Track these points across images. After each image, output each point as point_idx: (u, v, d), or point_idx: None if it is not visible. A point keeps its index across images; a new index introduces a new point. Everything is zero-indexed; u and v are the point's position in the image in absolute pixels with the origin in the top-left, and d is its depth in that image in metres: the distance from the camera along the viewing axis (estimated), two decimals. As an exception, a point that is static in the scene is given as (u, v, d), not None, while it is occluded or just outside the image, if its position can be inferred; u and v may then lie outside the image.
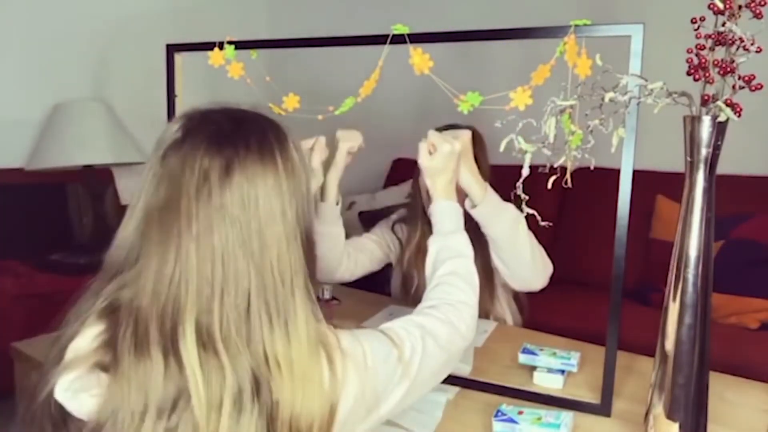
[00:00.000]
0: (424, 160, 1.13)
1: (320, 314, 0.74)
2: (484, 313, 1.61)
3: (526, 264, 1.38)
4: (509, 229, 1.35)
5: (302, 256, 0.71)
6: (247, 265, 0.67)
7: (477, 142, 1.62)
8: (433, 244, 1.07)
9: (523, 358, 1.23)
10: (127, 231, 0.71)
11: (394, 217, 1.77)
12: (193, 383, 0.64)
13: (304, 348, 0.68)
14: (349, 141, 1.39)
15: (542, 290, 1.52)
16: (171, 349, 0.65)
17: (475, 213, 1.33)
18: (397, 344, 0.79)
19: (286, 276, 0.69)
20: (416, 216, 1.67)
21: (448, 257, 1.02)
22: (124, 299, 0.68)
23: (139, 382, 0.64)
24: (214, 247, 0.66)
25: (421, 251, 1.65)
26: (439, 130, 1.64)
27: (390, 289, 1.83)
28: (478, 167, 1.57)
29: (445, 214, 1.10)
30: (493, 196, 1.35)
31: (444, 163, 1.11)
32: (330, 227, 1.42)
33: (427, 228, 1.64)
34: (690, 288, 0.91)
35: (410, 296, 1.69)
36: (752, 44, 0.85)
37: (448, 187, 1.12)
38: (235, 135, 0.70)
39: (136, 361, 0.65)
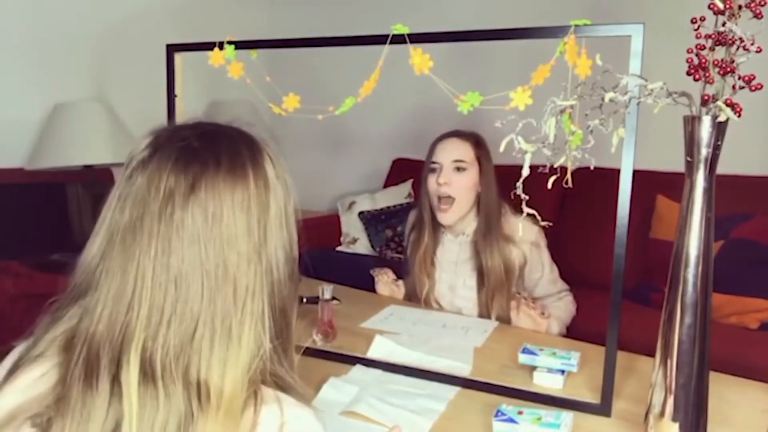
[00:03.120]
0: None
1: (287, 373, 0.67)
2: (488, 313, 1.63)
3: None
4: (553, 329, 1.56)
5: (264, 279, 0.66)
6: (201, 288, 0.63)
7: (482, 147, 1.65)
8: None
9: (523, 358, 1.23)
10: (91, 253, 0.67)
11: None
12: (127, 416, 0.59)
13: (239, 381, 0.62)
14: None
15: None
16: (116, 378, 0.61)
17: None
18: None
19: (239, 299, 0.64)
20: (423, 221, 1.70)
21: None
22: (82, 327, 0.65)
23: (83, 413, 0.60)
24: (170, 268, 0.62)
25: (429, 255, 1.66)
26: (443, 136, 1.67)
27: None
28: (482, 172, 1.62)
29: None
30: (552, 327, 1.54)
31: None
32: None
33: (434, 232, 1.66)
34: (690, 288, 0.91)
35: (422, 301, 1.71)
36: (752, 44, 0.85)
37: None
38: (204, 151, 0.66)
39: (84, 391, 0.61)
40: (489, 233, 1.61)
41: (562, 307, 1.61)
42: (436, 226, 1.69)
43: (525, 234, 1.60)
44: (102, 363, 0.62)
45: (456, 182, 1.61)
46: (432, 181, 1.63)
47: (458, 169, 1.61)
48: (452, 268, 1.70)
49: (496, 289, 1.59)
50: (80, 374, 0.62)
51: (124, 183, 0.67)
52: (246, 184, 0.66)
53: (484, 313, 1.63)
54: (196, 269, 0.63)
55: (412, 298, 1.76)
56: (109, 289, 0.64)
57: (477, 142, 1.66)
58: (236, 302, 0.64)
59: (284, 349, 0.68)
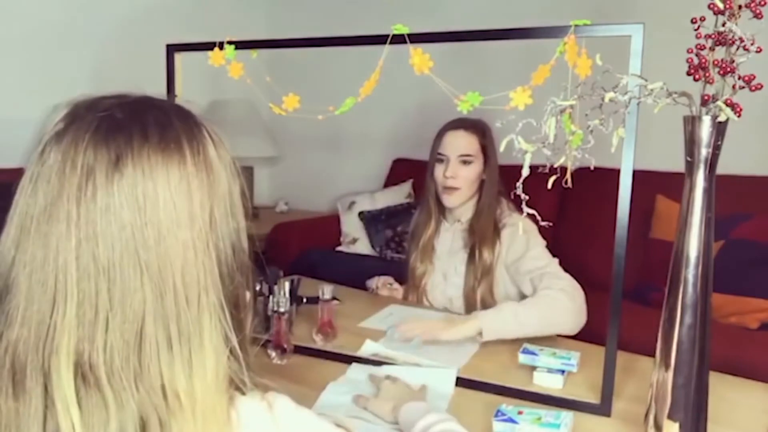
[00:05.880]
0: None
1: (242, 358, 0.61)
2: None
3: (544, 332, 1.39)
4: (516, 330, 1.36)
5: (216, 269, 0.59)
6: (140, 281, 0.55)
7: (487, 136, 1.67)
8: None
9: (523, 358, 1.23)
10: (5, 245, 0.58)
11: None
12: (66, 425, 0.53)
13: (211, 383, 0.57)
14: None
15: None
16: (48, 385, 0.54)
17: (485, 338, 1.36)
18: None
19: (192, 293, 0.57)
20: (429, 206, 1.74)
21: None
22: (3, 333, 0.56)
23: (18, 426, 0.54)
24: (97, 258, 0.54)
25: (431, 241, 1.75)
26: (450, 125, 1.68)
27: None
28: (486, 162, 1.63)
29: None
30: (488, 323, 1.36)
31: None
32: None
33: (438, 218, 1.74)
34: (690, 288, 0.91)
35: (418, 291, 1.72)
36: (752, 44, 0.85)
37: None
38: (129, 122, 0.58)
39: (14, 406, 0.54)
40: (484, 219, 1.66)
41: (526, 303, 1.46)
42: (440, 211, 1.74)
43: (514, 219, 1.62)
44: (28, 372, 0.54)
45: (462, 175, 1.65)
46: (439, 172, 1.67)
47: (464, 162, 1.65)
48: (445, 257, 1.74)
49: (484, 273, 1.63)
50: (7, 387, 0.55)
51: (36, 161, 0.59)
52: (182, 161, 0.58)
53: (470, 296, 1.65)
54: (130, 259, 0.55)
55: (410, 293, 1.78)
56: (28, 286, 0.55)
57: (483, 133, 1.68)
58: (188, 298, 0.56)
59: (241, 346, 0.62)
